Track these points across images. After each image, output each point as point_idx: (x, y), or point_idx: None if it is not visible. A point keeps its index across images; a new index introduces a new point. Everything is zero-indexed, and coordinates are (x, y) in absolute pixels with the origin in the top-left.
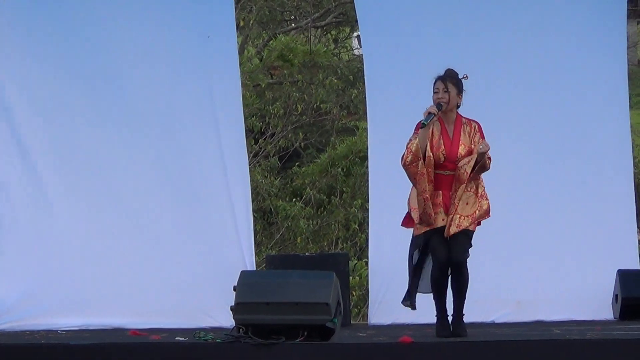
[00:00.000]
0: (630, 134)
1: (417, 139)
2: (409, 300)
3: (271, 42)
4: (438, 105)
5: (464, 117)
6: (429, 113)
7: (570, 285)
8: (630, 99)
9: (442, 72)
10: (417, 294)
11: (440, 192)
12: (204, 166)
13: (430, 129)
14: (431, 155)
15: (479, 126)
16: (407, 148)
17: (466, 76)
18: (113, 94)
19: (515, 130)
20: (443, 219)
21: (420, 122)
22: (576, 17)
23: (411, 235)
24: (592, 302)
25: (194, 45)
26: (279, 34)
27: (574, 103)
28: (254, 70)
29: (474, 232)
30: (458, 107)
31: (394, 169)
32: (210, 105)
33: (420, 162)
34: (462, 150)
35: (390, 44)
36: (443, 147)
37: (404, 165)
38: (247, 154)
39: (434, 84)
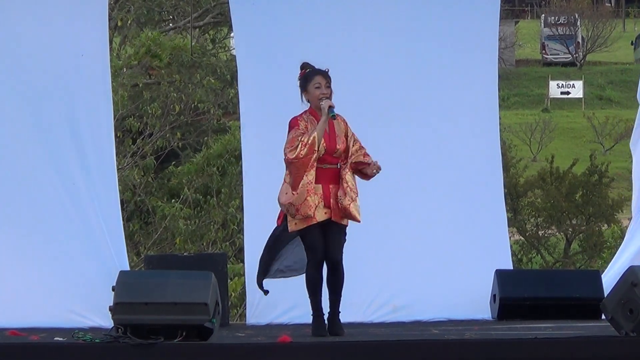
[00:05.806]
0: (500, 135)
1: (316, 132)
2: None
3: (141, 35)
4: (330, 109)
5: None
6: (330, 107)
7: (447, 286)
8: (508, 99)
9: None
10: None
11: (321, 185)
12: (73, 170)
13: (307, 124)
14: None
15: (346, 121)
16: (299, 142)
17: (327, 70)
18: None
19: (389, 132)
20: (325, 213)
21: (294, 118)
22: (449, 16)
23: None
24: (469, 302)
25: (66, 62)
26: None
27: (446, 105)
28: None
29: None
30: None
31: (268, 168)
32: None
33: (315, 155)
34: (339, 144)
35: (263, 43)
36: (323, 140)
37: (296, 158)
38: (114, 157)
39: (312, 78)
